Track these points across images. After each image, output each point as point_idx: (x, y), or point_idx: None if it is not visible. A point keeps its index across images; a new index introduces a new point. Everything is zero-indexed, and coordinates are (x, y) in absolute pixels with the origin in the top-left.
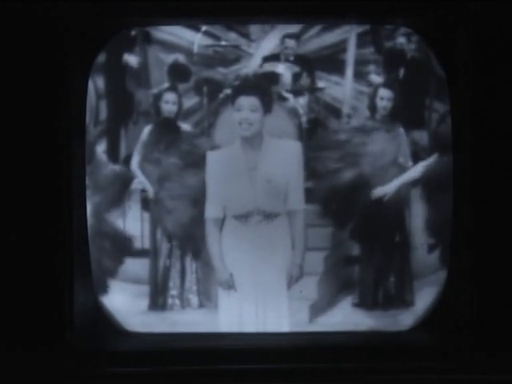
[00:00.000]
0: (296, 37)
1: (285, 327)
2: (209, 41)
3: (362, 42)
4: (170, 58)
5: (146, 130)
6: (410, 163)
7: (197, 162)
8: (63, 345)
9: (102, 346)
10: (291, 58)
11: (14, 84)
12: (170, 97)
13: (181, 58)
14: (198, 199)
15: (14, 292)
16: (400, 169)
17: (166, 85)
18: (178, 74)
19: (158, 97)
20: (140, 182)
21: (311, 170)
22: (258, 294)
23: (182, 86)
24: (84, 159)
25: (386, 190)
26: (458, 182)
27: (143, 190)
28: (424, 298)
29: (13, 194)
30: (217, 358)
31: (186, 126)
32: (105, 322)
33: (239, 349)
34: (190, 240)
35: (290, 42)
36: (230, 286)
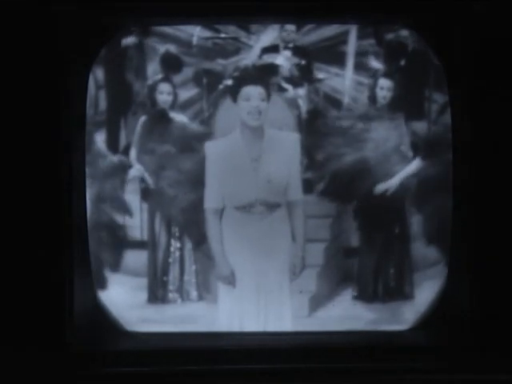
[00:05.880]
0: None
1: (286, 320)
2: (208, 33)
3: (362, 33)
4: (163, 48)
5: (141, 120)
6: (411, 153)
7: (193, 150)
8: (63, 345)
9: (101, 346)
10: (290, 46)
11: (16, 78)
12: (164, 87)
13: (172, 48)
14: (196, 186)
15: (12, 291)
16: (401, 157)
17: (160, 75)
18: (169, 64)
19: (152, 87)
20: (138, 170)
21: (312, 160)
22: (259, 287)
23: (180, 77)
24: (84, 151)
25: (387, 183)
26: (458, 173)
27: (142, 181)
28: (424, 291)
29: (12, 185)
30: (217, 358)
31: (182, 117)
32: (105, 322)
33: (239, 349)
34: (189, 229)
35: (290, 27)
36: (230, 281)
